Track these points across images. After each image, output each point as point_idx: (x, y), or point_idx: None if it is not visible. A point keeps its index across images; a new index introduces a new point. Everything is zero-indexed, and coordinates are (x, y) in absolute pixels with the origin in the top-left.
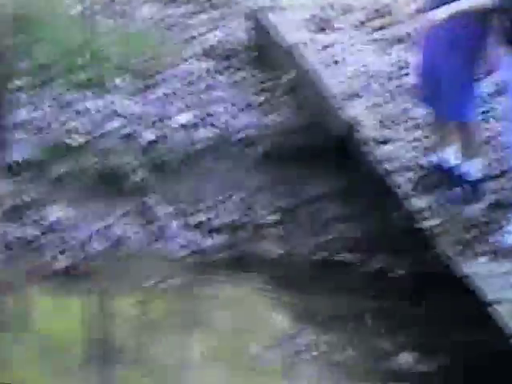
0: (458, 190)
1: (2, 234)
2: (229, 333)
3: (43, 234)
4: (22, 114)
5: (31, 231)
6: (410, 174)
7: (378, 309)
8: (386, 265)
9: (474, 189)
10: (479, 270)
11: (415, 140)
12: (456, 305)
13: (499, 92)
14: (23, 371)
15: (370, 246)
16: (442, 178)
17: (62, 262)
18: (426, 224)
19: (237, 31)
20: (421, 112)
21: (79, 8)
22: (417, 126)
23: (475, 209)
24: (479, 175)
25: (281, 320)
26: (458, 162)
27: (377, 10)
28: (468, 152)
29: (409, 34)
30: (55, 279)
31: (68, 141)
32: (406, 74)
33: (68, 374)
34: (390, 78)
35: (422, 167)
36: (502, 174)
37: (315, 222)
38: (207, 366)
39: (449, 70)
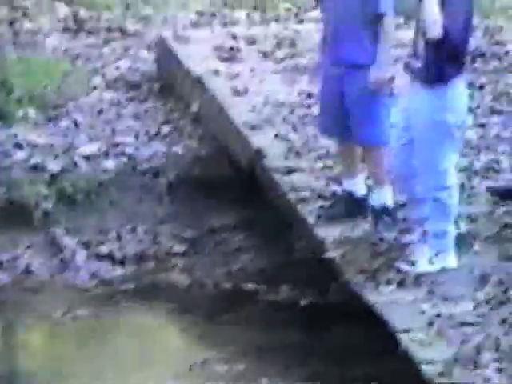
0: (368, 219)
1: None
2: (138, 363)
3: None
4: None
5: None
6: (317, 204)
7: (284, 340)
8: (291, 295)
9: (385, 217)
10: (386, 298)
11: (321, 169)
12: (364, 334)
13: None
14: None
15: (275, 277)
16: (349, 207)
17: None
18: (333, 254)
19: (142, 62)
20: (326, 141)
21: None
22: (322, 156)
23: (382, 237)
24: (389, 203)
25: (188, 350)
26: (366, 190)
27: (280, 42)
28: (377, 179)
29: (312, 65)
30: None
31: None
32: (311, 105)
33: None
34: (295, 108)
35: (328, 197)
36: (408, 202)
37: (221, 253)
38: None
39: (357, 94)
